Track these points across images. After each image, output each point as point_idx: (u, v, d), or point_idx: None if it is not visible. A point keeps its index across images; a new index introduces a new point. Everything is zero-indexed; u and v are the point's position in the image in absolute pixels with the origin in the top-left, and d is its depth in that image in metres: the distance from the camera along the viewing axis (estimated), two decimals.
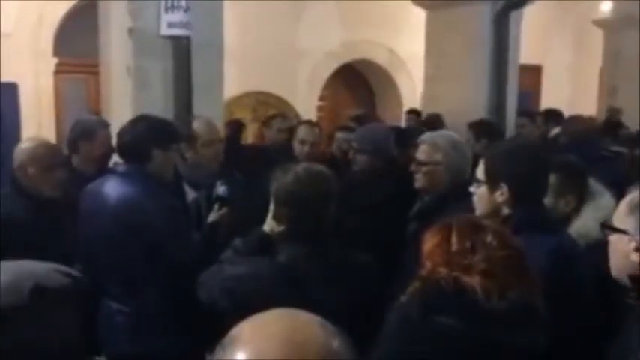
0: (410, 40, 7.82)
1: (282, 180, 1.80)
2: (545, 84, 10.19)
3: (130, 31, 3.99)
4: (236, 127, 5.04)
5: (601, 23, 8.26)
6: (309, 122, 3.82)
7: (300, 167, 1.83)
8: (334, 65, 8.64)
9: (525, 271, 1.48)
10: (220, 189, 2.64)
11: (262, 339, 0.73)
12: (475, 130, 4.19)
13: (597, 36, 8.25)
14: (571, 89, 9.64)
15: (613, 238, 1.44)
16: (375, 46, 8.74)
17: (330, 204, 1.81)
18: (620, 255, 1.42)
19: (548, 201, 2.14)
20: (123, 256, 2.32)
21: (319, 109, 8.68)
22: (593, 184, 2.33)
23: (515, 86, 5.87)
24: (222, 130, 3.61)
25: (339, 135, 4.40)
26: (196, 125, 2.83)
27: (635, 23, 7.48)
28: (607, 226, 1.45)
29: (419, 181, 2.60)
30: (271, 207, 1.84)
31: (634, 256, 1.37)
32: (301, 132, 3.45)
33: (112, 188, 2.37)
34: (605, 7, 8.32)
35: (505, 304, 1.40)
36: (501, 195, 1.89)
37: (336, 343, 0.76)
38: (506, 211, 1.89)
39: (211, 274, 1.82)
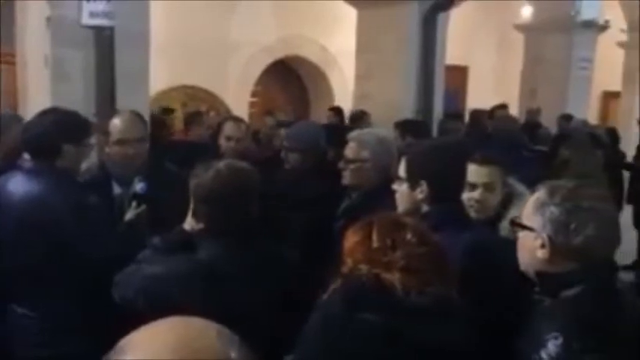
0: (342, 37, 7.88)
1: (202, 177, 1.75)
2: (471, 84, 10.55)
3: (49, 19, 3.81)
4: (155, 123, 4.89)
5: (522, 28, 8.64)
6: (235, 118, 3.77)
7: (222, 164, 1.79)
8: (267, 61, 8.58)
9: (444, 266, 1.52)
10: (138, 186, 2.55)
11: (152, 349, 0.70)
12: (400, 129, 4.28)
13: (520, 39, 8.62)
14: (495, 90, 10.03)
15: (521, 234, 1.49)
16: (307, 42, 8.75)
17: (251, 201, 1.78)
18: (528, 251, 1.47)
19: (479, 195, 2.20)
20: (29, 257, 2.20)
21: (251, 105, 8.60)
22: (515, 183, 2.40)
23: (441, 86, 6.05)
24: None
25: (282, 131, 4.38)
26: (113, 122, 2.71)
27: (553, 28, 7.87)
28: (516, 223, 1.51)
29: (346, 178, 2.63)
30: (191, 204, 1.80)
31: (540, 253, 1.42)
32: (227, 128, 3.39)
33: (18, 186, 2.25)
34: (526, 12, 8.70)
35: (424, 300, 1.43)
36: (421, 192, 1.92)
37: (234, 353, 0.72)
38: (425, 208, 1.93)
39: (128, 273, 1.76)
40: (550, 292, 1.42)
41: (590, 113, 8.67)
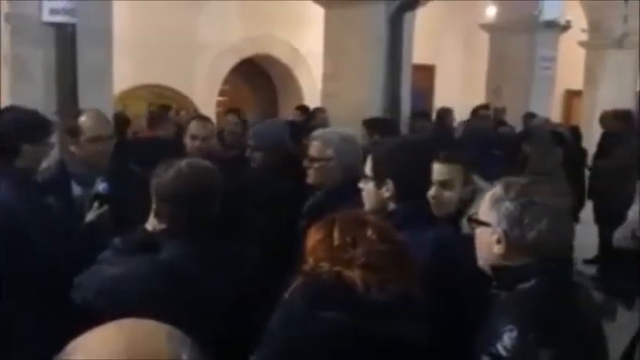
0: (310, 36, 7.89)
1: (163, 176, 1.74)
2: (438, 83, 10.68)
3: (7, 16, 3.72)
4: (120, 122, 4.83)
5: (487, 27, 8.78)
6: (201, 117, 3.74)
7: (184, 163, 1.77)
8: (235, 60, 8.53)
9: (406, 264, 1.53)
10: (100, 186, 2.51)
11: (102, 351, 0.69)
12: (368, 127, 4.31)
13: (486, 39, 8.76)
14: (462, 89, 10.18)
15: (478, 230, 1.52)
16: (276, 42, 8.73)
17: (213, 200, 1.77)
18: (484, 246, 1.49)
19: (433, 191, 2.22)
20: None
21: (219, 104, 8.54)
22: (480, 181, 2.44)
23: (408, 85, 6.10)
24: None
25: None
26: (82, 119, 2.67)
27: (517, 28, 8.03)
28: (473, 219, 1.53)
29: (311, 176, 2.63)
30: (153, 204, 1.78)
31: (496, 248, 1.45)
32: (193, 127, 3.36)
33: None
34: (491, 13, 8.84)
35: (385, 297, 1.44)
36: (387, 191, 1.94)
37: (185, 355, 0.72)
38: (392, 206, 1.94)
39: (89, 275, 1.73)
40: (506, 286, 1.44)
41: (553, 111, 8.86)
